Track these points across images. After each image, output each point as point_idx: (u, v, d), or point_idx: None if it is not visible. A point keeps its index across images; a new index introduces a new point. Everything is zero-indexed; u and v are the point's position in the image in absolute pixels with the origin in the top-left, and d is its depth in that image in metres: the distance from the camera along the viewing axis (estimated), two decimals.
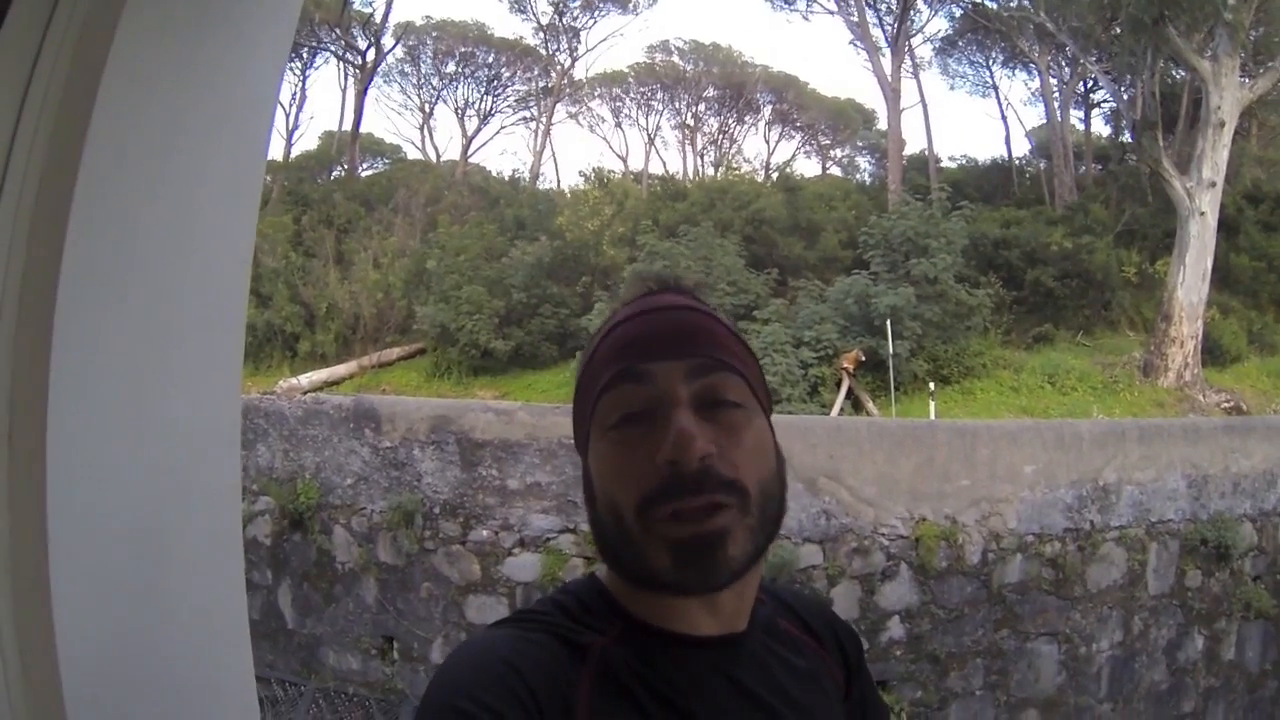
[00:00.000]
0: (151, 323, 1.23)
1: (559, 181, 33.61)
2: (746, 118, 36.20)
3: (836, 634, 1.19)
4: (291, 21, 1.58)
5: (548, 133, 34.03)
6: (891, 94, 24.16)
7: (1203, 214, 14.30)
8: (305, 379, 13.46)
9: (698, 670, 0.98)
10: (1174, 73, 18.81)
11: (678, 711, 0.95)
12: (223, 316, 1.42)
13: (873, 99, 37.12)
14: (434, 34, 32.02)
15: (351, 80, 29.32)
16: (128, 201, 1.16)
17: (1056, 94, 26.73)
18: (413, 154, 35.40)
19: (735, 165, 30.87)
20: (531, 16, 32.28)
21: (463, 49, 32.54)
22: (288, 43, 1.59)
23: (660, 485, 0.93)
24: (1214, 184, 14.34)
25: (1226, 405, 13.69)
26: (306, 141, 31.18)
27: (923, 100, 28.81)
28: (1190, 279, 14.27)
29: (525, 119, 35.91)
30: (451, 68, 33.31)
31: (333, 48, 27.63)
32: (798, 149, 38.82)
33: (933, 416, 12.08)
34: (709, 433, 0.95)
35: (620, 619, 1.00)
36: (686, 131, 36.38)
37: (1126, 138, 21.51)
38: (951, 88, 49.31)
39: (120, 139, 1.13)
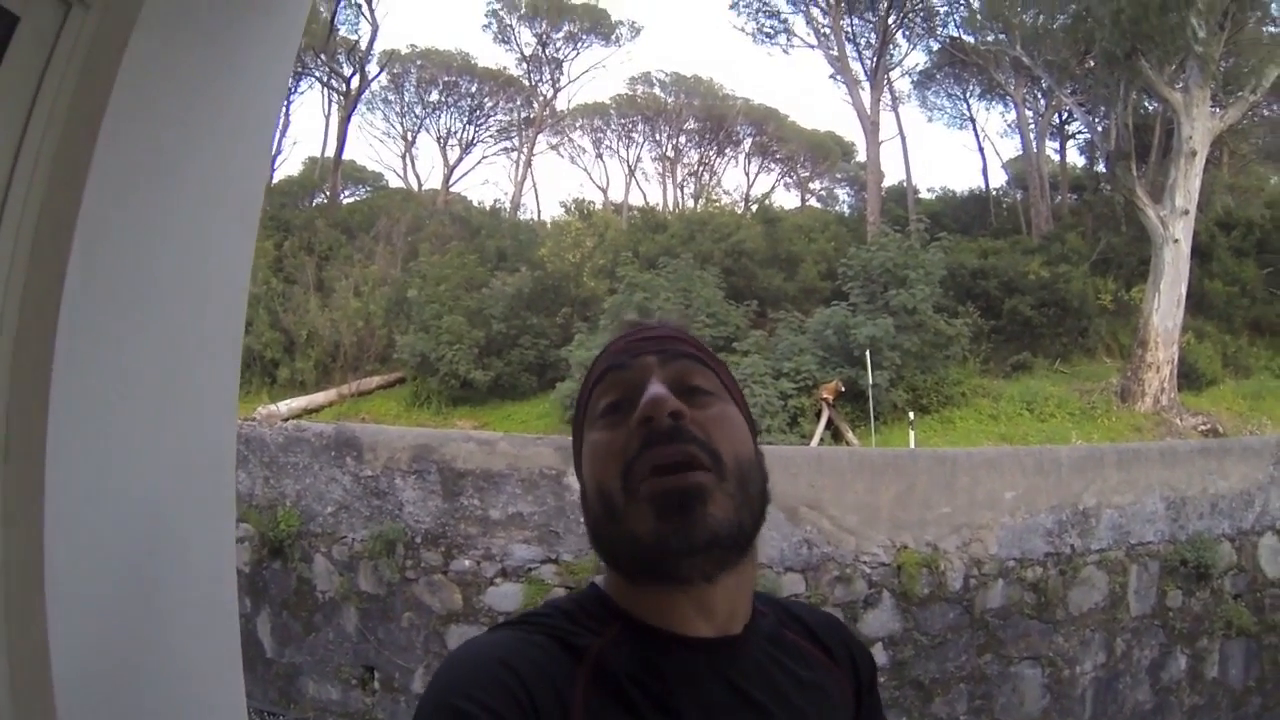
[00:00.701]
0: (151, 344, 1.24)
1: (540, 212, 33.83)
2: (727, 150, 36.43)
3: (850, 651, 1.20)
4: (292, 51, 1.60)
5: (529, 163, 34.18)
6: (870, 127, 24.36)
7: (1176, 241, 14.47)
8: (284, 406, 13.37)
9: (692, 670, 0.99)
10: (1146, 104, 19.07)
11: (671, 711, 0.95)
12: (221, 339, 1.43)
13: (852, 132, 37.39)
14: (418, 63, 32.14)
15: (335, 107, 29.37)
16: (130, 226, 1.18)
17: (1032, 126, 27.05)
18: (395, 182, 35.44)
19: (715, 197, 30.94)
20: (515, 47, 32.58)
21: (446, 78, 32.65)
22: (289, 66, 1.62)
23: (638, 445, 0.98)
24: (1187, 212, 14.53)
25: (1203, 428, 13.79)
26: (289, 167, 31.03)
27: (901, 133, 28.97)
28: (1165, 305, 14.42)
29: (507, 149, 36.06)
30: (435, 96, 33.41)
31: (317, 74, 27.64)
32: (777, 181, 39.04)
33: (912, 445, 12.10)
34: (683, 404, 1.01)
35: (618, 621, 1.01)
36: (667, 163, 36.55)
37: (1101, 168, 21.83)
38: (929, 120, 49.83)
39: (124, 164, 1.14)
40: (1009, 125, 30.65)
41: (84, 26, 1.13)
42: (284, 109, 28.53)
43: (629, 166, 36.95)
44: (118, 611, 1.16)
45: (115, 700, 1.15)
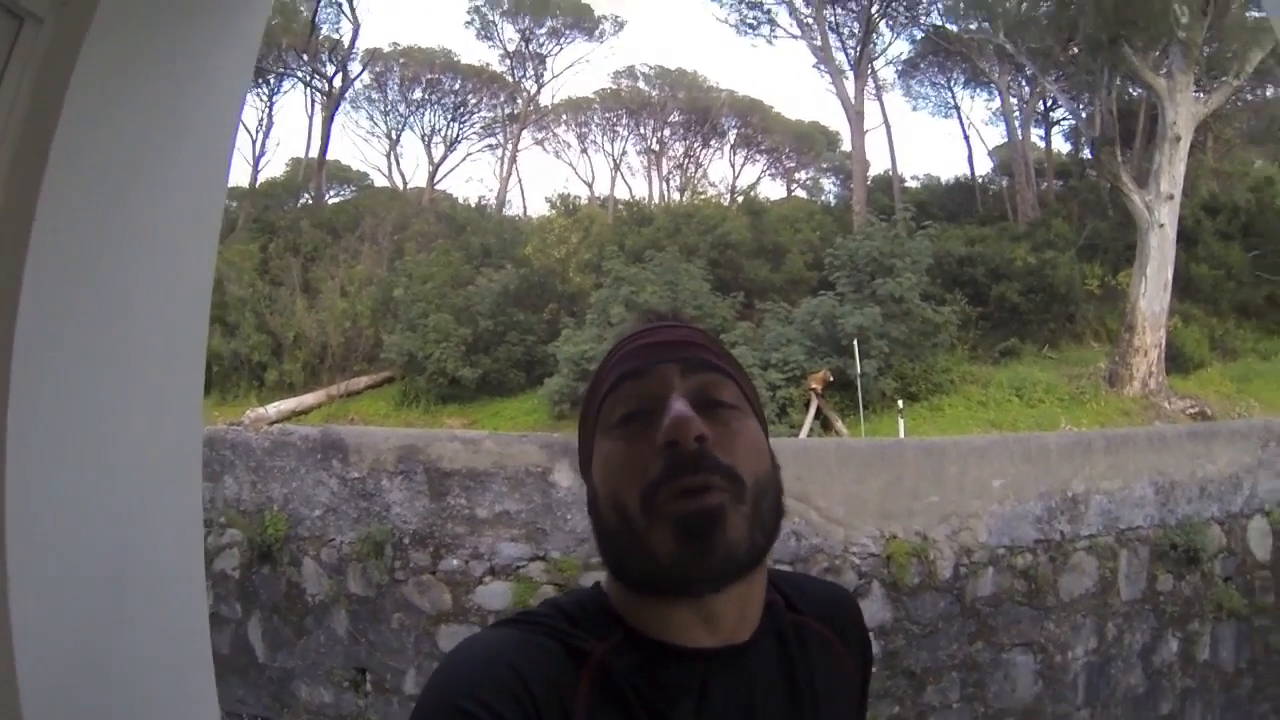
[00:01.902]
0: (111, 352, 1.22)
1: (525, 208, 33.77)
2: (712, 142, 36.41)
3: (860, 633, 1.21)
4: (250, 58, 1.58)
5: (514, 159, 34.15)
6: (855, 116, 24.36)
7: (1162, 226, 14.50)
8: (273, 408, 13.29)
9: (692, 684, 0.97)
10: (1130, 90, 19.11)
11: None
12: (183, 345, 1.41)
13: (837, 121, 37.53)
14: (401, 60, 31.98)
15: (318, 106, 29.20)
16: (87, 230, 1.15)
17: (1017, 113, 27.13)
18: (379, 181, 35.30)
19: (701, 189, 30.93)
20: (498, 43, 32.52)
21: (429, 75, 32.53)
22: (248, 75, 1.59)
23: (662, 469, 0.96)
24: (1172, 197, 14.56)
25: (1192, 411, 13.84)
26: (273, 169, 31.02)
27: (886, 122, 28.99)
28: (1152, 289, 14.45)
29: (491, 145, 35.97)
30: (418, 94, 33.27)
31: (300, 73, 27.52)
32: (763, 172, 39.05)
33: (902, 434, 12.10)
34: (704, 423, 0.99)
35: (620, 627, 1.01)
36: (652, 156, 36.55)
37: (1086, 154, 21.85)
38: (914, 109, 49.81)
39: (80, 168, 1.12)
40: (993, 113, 30.81)
41: (36, 40, 1.10)
42: (268, 109, 28.51)
43: (614, 160, 36.95)
44: (83, 617, 1.15)
45: (83, 702, 1.12)
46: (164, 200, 1.31)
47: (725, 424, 1.01)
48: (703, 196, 27.81)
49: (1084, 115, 19.99)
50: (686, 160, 36.81)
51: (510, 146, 34.06)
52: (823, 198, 35.95)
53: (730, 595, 0.99)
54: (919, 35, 27.43)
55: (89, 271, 1.16)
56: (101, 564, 1.18)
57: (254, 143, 29.44)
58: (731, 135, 36.52)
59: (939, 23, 25.47)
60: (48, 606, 1.08)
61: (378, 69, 31.67)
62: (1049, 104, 27.15)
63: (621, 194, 35.26)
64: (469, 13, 31.85)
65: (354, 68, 28.75)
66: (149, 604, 1.28)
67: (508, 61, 32.69)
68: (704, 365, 1.06)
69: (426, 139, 34.30)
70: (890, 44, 28.40)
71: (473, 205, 29.62)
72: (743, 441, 1.02)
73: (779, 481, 1.07)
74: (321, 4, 25.20)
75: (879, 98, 28.70)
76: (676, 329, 1.12)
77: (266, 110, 29.80)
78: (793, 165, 39.03)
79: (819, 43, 25.29)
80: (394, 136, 35.05)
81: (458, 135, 34.82)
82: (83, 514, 1.16)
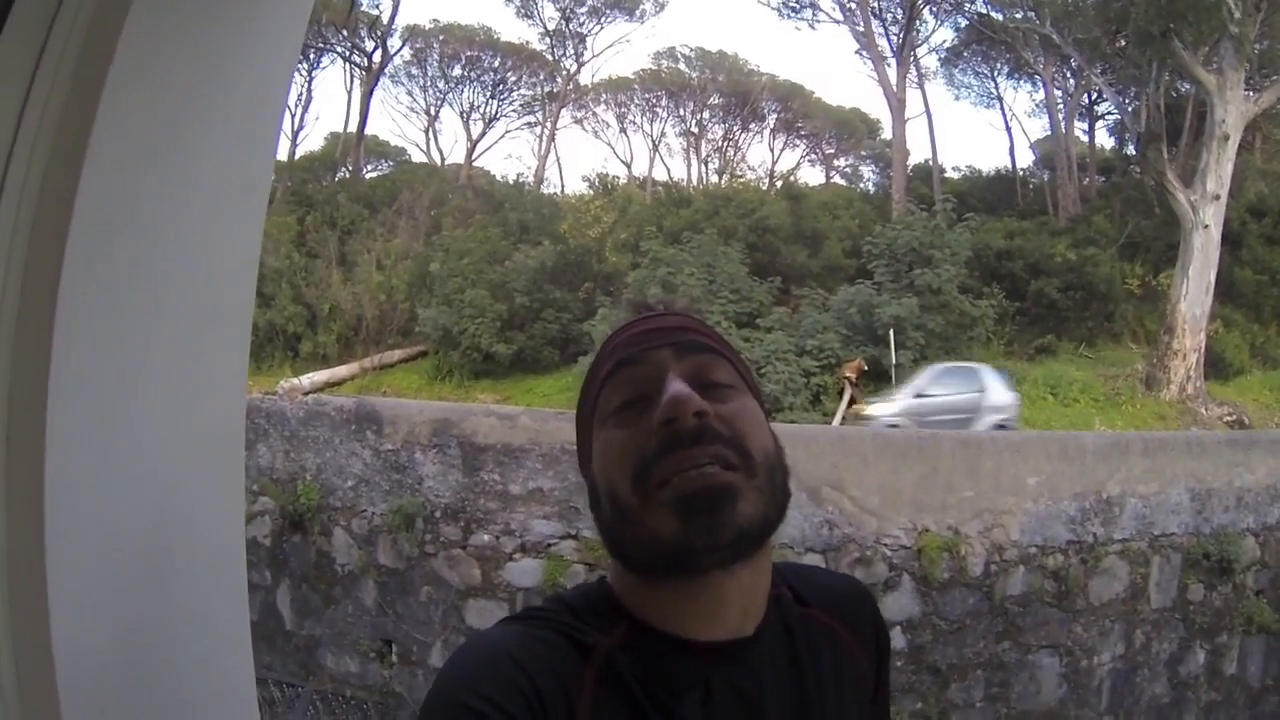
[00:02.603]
0: (155, 321, 1.21)
1: (563, 187, 33.67)
2: (751, 126, 36.26)
3: (875, 625, 1.18)
4: (303, 16, 1.56)
5: (552, 137, 34.11)
6: (896, 104, 24.15)
7: (1206, 227, 14.30)
8: (307, 379, 13.43)
9: (699, 678, 0.96)
10: (1178, 86, 18.80)
11: (676, 718, 0.94)
12: (228, 317, 1.40)
13: (878, 109, 37.01)
14: (441, 37, 32.03)
15: (357, 82, 29.25)
16: (133, 199, 1.14)
17: (1061, 105, 26.78)
18: (417, 157, 35.42)
19: (739, 173, 30.87)
20: (538, 22, 32.41)
21: (469, 53, 32.55)
22: (299, 38, 1.57)
23: (657, 446, 0.94)
24: (1218, 197, 14.35)
25: (1229, 418, 13.68)
26: (311, 142, 31.09)
27: (927, 110, 28.61)
28: (1193, 292, 14.27)
29: (530, 123, 35.98)
30: (457, 71, 33.32)
31: (339, 49, 27.60)
32: (802, 158, 38.89)
33: None
34: (705, 401, 0.96)
35: (625, 621, 0.99)
36: (691, 138, 36.44)
37: (1131, 150, 21.59)
38: (956, 98, 49.20)
39: (126, 135, 1.11)
40: (1037, 105, 30.32)
41: None
42: (307, 84, 28.61)
43: (653, 142, 36.86)
44: (122, 594, 1.14)
45: (120, 682, 1.13)
46: (213, 166, 1.30)
47: (724, 402, 0.99)
48: (741, 180, 27.71)
49: (1130, 110, 19.74)
50: (725, 143, 36.72)
51: (549, 125, 34.09)
52: (861, 185, 35.73)
53: (737, 580, 0.96)
54: (963, 23, 27.20)
55: (134, 238, 1.15)
56: (141, 538, 1.18)
57: (293, 117, 29.55)
58: (771, 119, 36.33)
59: (984, 11, 25.17)
60: (86, 580, 1.09)
61: (417, 45, 31.74)
62: (1094, 97, 26.76)
63: (660, 175, 35.27)
64: None
65: (393, 44, 28.87)
66: (188, 579, 1.28)
67: (548, 40, 32.65)
68: (699, 347, 1.03)
69: (465, 116, 34.40)
70: (934, 31, 28.17)
71: (510, 183, 29.66)
72: (746, 417, 0.99)
73: (785, 461, 1.02)
74: None
75: (921, 86, 28.43)
76: (668, 316, 1.08)
77: (306, 85, 29.92)
78: (832, 152, 38.78)
79: (862, 28, 25.09)
80: (433, 112, 35.18)
81: (496, 112, 34.91)
82: (123, 489, 1.16)
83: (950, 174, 29.75)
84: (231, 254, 1.39)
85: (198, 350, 1.29)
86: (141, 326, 1.18)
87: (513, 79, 33.93)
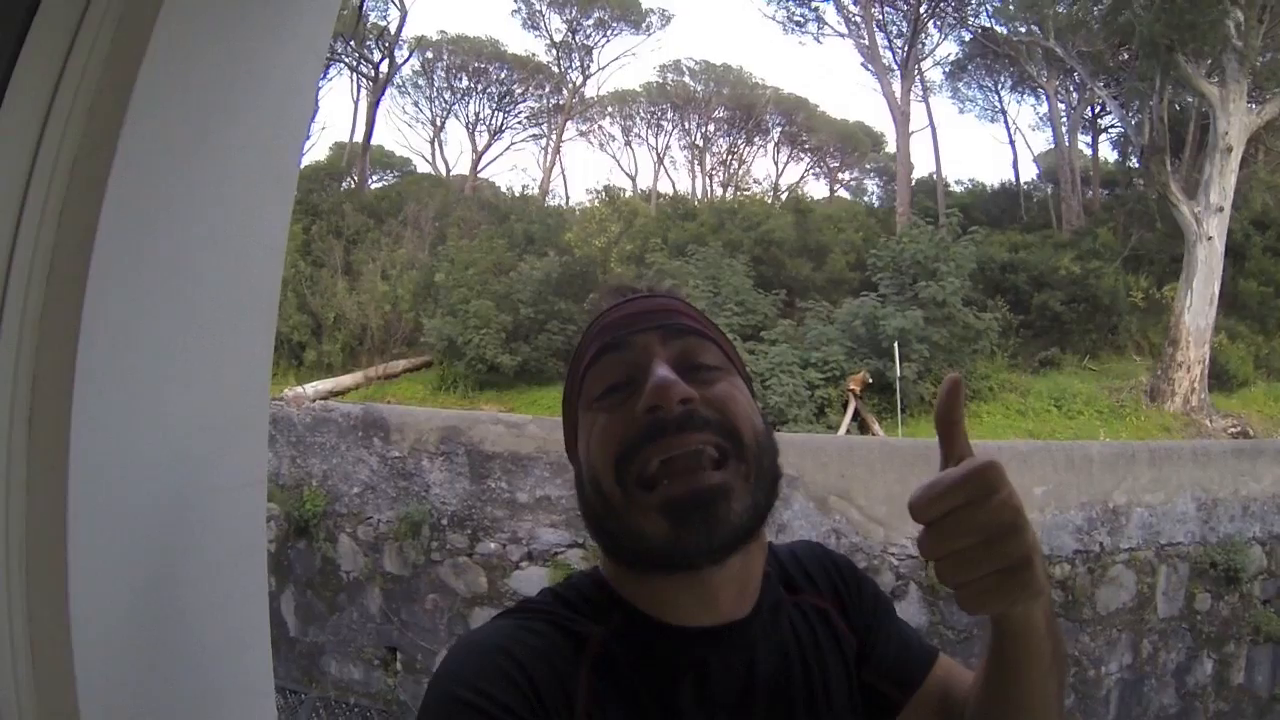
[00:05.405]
0: (181, 312, 1.22)
1: (568, 198, 33.87)
2: (756, 139, 36.42)
3: (830, 575, 1.16)
4: (331, 17, 1.58)
5: (558, 150, 34.33)
6: (900, 117, 24.20)
7: (1210, 239, 14.30)
8: (311, 388, 13.40)
9: (695, 662, 0.97)
10: (1181, 98, 18.83)
11: (672, 704, 0.95)
12: (254, 310, 1.41)
13: (882, 122, 37.26)
14: (448, 49, 32.21)
15: (364, 92, 29.41)
16: (161, 191, 1.16)
17: (1064, 119, 26.81)
18: (423, 168, 35.59)
19: (744, 186, 30.95)
20: (545, 34, 32.63)
21: (476, 64, 32.70)
22: (326, 39, 1.59)
23: (639, 433, 0.93)
24: (1221, 209, 14.35)
25: (1233, 430, 13.64)
26: (317, 152, 31.13)
27: (931, 124, 28.83)
28: (1197, 304, 14.26)
29: (536, 136, 36.22)
30: (464, 83, 33.46)
31: (346, 59, 27.68)
32: (806, 171, 39.10)
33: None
34: (691, 386, 0.96)
35: (618, 609, 1.00)
36: (696, 151, 36.60)
37: (1134, 163, 21.56)
38: (960, 112, 49.52)
39: (156, 129, 1.12)
40: (1040, 118, 30.52)
41: None
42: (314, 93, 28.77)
43: (658, 154, 37.05)
44: (141, 579, 1.15)
45: (137, 666, 1.14)
46: (242, 160, 1.32)
47: (711, 384, 0.99)
48: (746, 193, 27.78)
49: (1133, 123, 19.74)
50: (730, 156, 36.86)
51: (554, 137, 34.29)
52: (866, 198, 35.92)
53: (730, 569, 0.96)
54: (967, 37, 27.25)
55: (162, 228, 1.16)
56: (163, 528, 1.19)
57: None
58: (775, 133, 36.52)
59: (988, 24, 25.26)
60: (107, 567, 1.10)
61: (424, 56, 31.94)
62: (1097, 110, 26.84)
63: (664, 188, 35.37)
64: (516, 2, 31.98)
65: (400, 55, 29.00)
66: (209, 569, 1.30)
67: (554, 52, 32.88)
68: (685, 330, 1.03)
69: (471, 127, 34.55)
70: (938, 45, 28.26)
71: (516, 194, 29.75)
72: (734, 399, 0.99)
73: (775, 443, 1.02)
74: None
75: (925, 99, 28.55)
76: (653, 298, 1.08)
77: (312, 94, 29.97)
78: (836, 165, 38.96)
79: (866, 42, 25.16)
80: (438, 124, 35.39)
81: (502, 124, 35.09)
82: (145, 473, 1.17)
83: (954, 187, 29.91)
84: (259, 244, 1.40)
85: (224, 339, 1.30)
86: (168, 315, 1.19)
87: (519, 91, 34.11)
